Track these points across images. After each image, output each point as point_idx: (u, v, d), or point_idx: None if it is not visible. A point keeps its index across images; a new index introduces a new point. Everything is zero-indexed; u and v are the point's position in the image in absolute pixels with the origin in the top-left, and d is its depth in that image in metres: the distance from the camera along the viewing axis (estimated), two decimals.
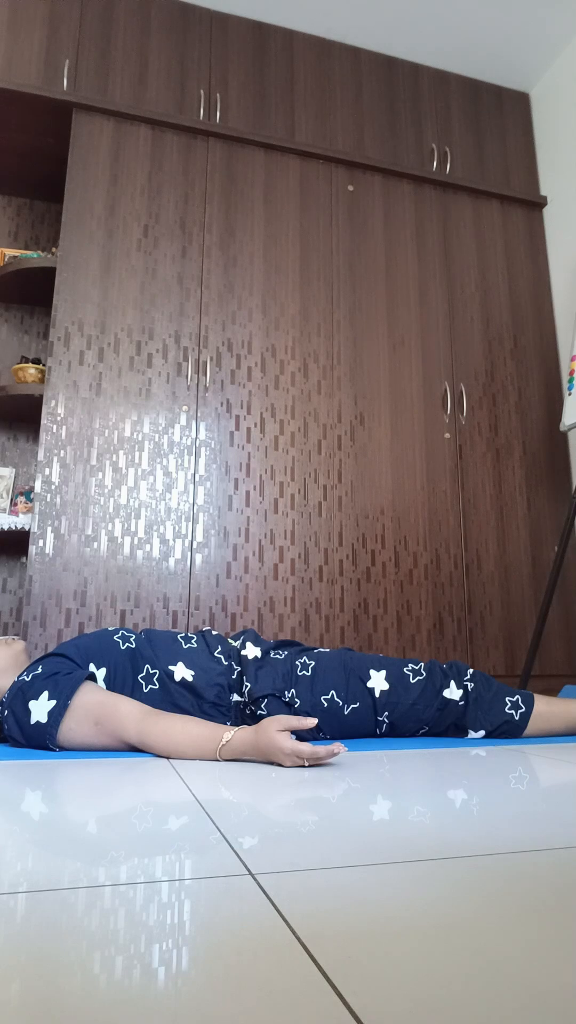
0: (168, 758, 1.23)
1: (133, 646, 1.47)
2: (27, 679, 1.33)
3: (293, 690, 1.44)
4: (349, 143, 2.87)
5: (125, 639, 1.48)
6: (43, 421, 2.25)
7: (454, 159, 3.01)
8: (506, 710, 1.49)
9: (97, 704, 1.28)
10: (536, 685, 2.53)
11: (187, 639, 1.52)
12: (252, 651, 1.51)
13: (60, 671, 1.33)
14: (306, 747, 1.13)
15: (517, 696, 1.51)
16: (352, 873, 0.61)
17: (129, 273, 2.46)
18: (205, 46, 2.79)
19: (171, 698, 1.41)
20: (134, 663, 1.45)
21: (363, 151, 2.88)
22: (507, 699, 1.50)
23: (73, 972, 0.43)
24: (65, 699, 1.27)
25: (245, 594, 2.31)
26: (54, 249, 2.87)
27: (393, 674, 1.48)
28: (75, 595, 2.16)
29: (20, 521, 2.37)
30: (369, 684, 1.46)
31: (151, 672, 1.44)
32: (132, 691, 1.42)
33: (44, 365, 2.56)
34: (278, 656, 1.51)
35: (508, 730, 1.48)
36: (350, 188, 2.81)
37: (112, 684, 1.42)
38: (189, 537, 2.31)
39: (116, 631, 1.50)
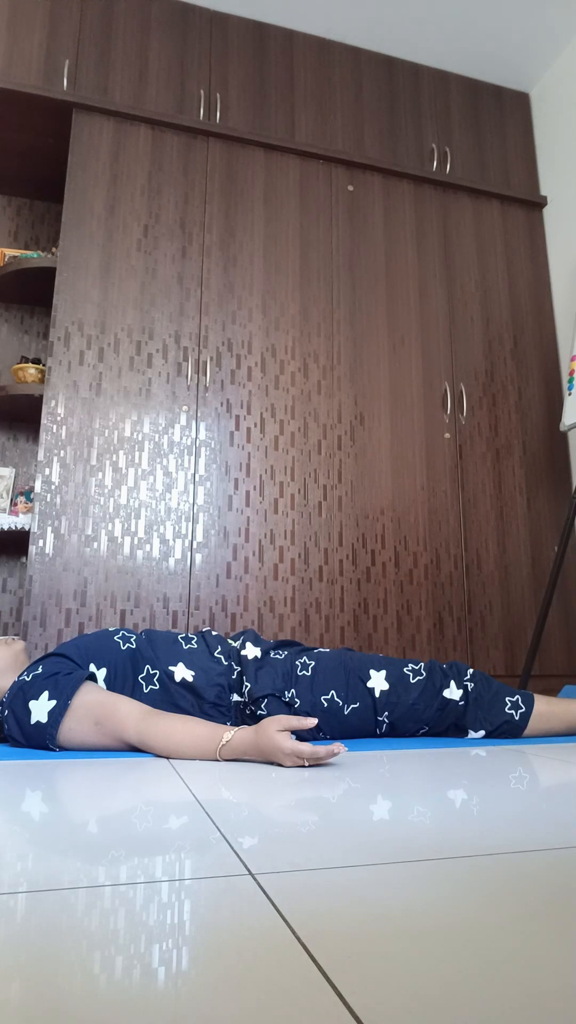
0: (168, 758, 1.23)
1: (133, 646, 1.47)
2: (27, 679, 1.33)
3: (293, 690, 1.44)
4: (349, 143, 2.87)
5: (125, 639, 1.48)
6: (43, 421, 2.25)
7: (454, 159, 3.01)
8: (506, 710, 1.49)
9: (97, 704, 1.28)
10: (536, 685, 2.53)
11: (187, 639, 1.52)
12: (252, 651, 1.51)
13: (60, 671, 1.33)
14: (306, 747, 1.13)
15: (517, 696, 1.51)
16: (352, 873, 0.61)
17: (129, 273, 2.46)
18: (205, 46, 2.79)
19: (171, 698, 1.41)
20: (134, 663, 1.45)
21: (363, 151, 2.88)
22: (507, 699, 1.50)
23: (73, 972, 0.43)
24: (65, 699, 1.27)
25: (245, 594, 2.31)
26: (54, 249, 2.87)
27: (393, 674, 1.48)
28: (75, 595, 2.16)
29: (20, 521, 2.37)
30: (369, 684, 1.46)
31: (151, 672, 1.44)
32: (132, 691, 1.42)
33: (44, 365, 2.56)
34: (278, 656, 1.51)
35: (508, 730, 1.48)
36: (350, 188, 2.81)
37: (112, 684, 1.42)
38: (189, 537, 2.31)
39: (116, 631, 1.50)
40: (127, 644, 1.47)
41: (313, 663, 1.49)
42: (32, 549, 2.15)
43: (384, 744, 1.41)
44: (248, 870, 0.62)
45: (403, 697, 1.46)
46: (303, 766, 1.15)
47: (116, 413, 2.33)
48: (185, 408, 2.41)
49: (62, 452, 2.25)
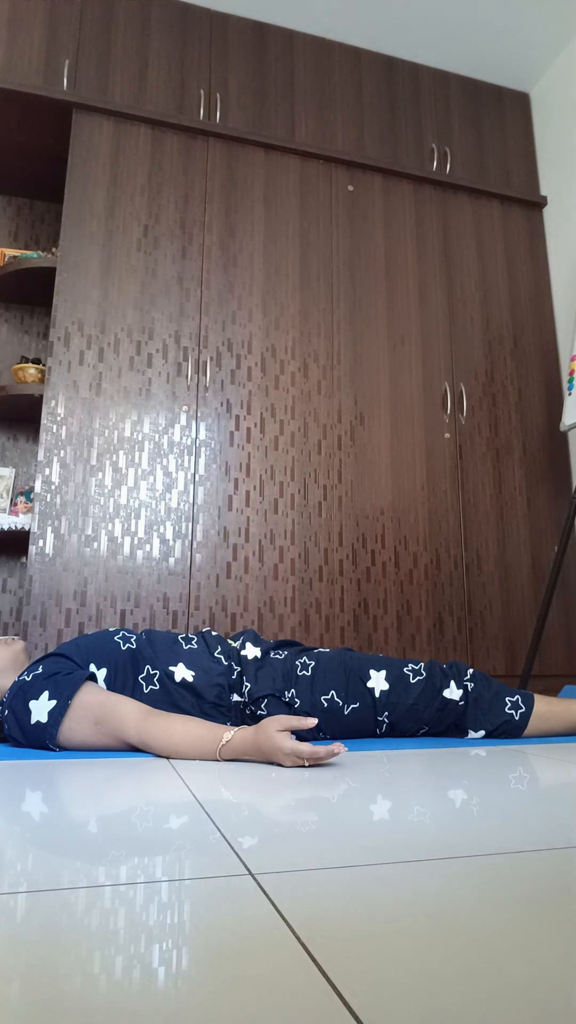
0: (168, 758, 1.23)
1: (134, 646, 1.47)
2: (27, 679, 1.33)
3: (293, 690, 1.44)
4: (349, 143, 2.87)
5: (126, 639, 1.48)
6: (43, 421, 2.25)
7: (454, 159, 3.01)
8: (506, 710, 1.49)
9: (97, 704, 1.28)
10: (536, 685, 2.53)
11: (187, 640, 1.52)
12: (252, 651, 1.51)
13: (60, 671, 1.33)
14: (306, 747, 1.13)
15: (517, 696, 1.51)
16: (352, 873, 0.61)
17: (129, 273, 2.46)
18: (205, 46, 2.79)
19: (171, 698, 1.42)
20: (135, 663, 1.45)
21: (363, 151, 2.88)
22: (507, 699, 1.50)
23: (73, 972, 0.43)
24: (65, 699, 1.27)
25: (245, 594, 2.31)
26: (54, 249, 2.87)
27: (393, 674, 1.48)
28: (75, 595, 2.16)
29: (20, 521, 2.37)
30: (369, 684, 1.46)
31: (151, 673, 1.44)
32: (132, 691, 1.42)
33: (44, 365, 2.56)
34: (278, 656, 1.51)
35: (508, 730, 1.48)
36: (350, 188, 2.81)
37: (112, 684, 1.42)
38: (189, 537, 2.31)
39: (117, 631, 1.50)
40: (127, 644, 1.47)
41: (313, 663, 1.49)
42: (32, 549, 2.15)
43: (384, 744, 1.41)
44: (248, 870, 0.62)
45: (403, 697, 1.46)
46: (303, 766, 1.15)
47: (116, 413, 2.33)
48: (185, 408, 2.41)
49: (62, 452, 2.25)
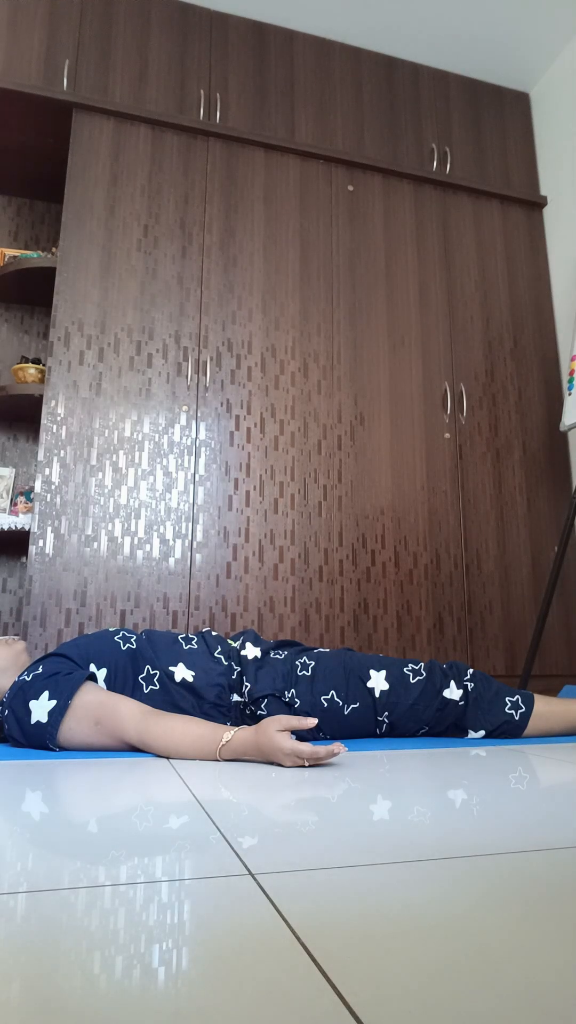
0: (168, 758, 1.23)
1: (134, 647, 1.47)
2: (27, 679, 1.33)
3: (293, 690, 1.44)
4: (349, 143, 2.87)
5: (126, 639, 1.48)
6: (43, 421, 2.25)
7: (454, 159, 3.01)
8: (506, 710, 1.49)
9: (97, 704, 1.28)
10: (536, 685, 2.53)
11: (187, 640, 1.52)
12: (252, 651, 1.51)
13: (60, 671, 1.33)
14: (306, 747, 1.13)
15: (517, 696, 1.51)
16: (352, 873, 0.61)
17: (129, 273, 2.46)
18: (205, 46, 2.79)
19: (171, 698, 1.42)
20: (135, 664, 1.45)
21: (363, 151, 2.88)
22: (507, 699, 1.50)
23: (73, 972, 0.43)
24: (65, 699, 1.27)
25: (245, 594, 2.31)
26: (54, 249, 2.87)
27: (393, 674, 1.48)
28: (75, 595, 2.16)
29: (20, 521, 2.37)
30: (369, 684, 1.46)
31: (151, 673, 1.44)
32: (132, 691, 1.42)
33: (44, 365, 2.56)
34: (278, 656, 1.51)
35: (508, 730, 1.48)
36: (350, 188, 2.81)
37: (112, 684, 1.42)
38: (189, 537, 2.31)
39: (117, 632, 1.50)
40: (127, 644, 1.47)
41: (313, 663, 1.49)
42: (32, 549, 2.15)
43: (384, 744, 1.41)
44: (248, 870, 0.62)
45: (403, 697, 1.46)
46: (303, 766, 1.15)
47: (116, 413, 2.33)
48: (185, 408, 2.41)
49: (62, 452, 2.25)
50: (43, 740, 1.27)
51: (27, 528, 2.35)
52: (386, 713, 1.46)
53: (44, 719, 1.26)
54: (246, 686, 1.45)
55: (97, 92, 2.60)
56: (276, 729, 1.15)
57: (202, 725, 1.24)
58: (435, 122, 3.04)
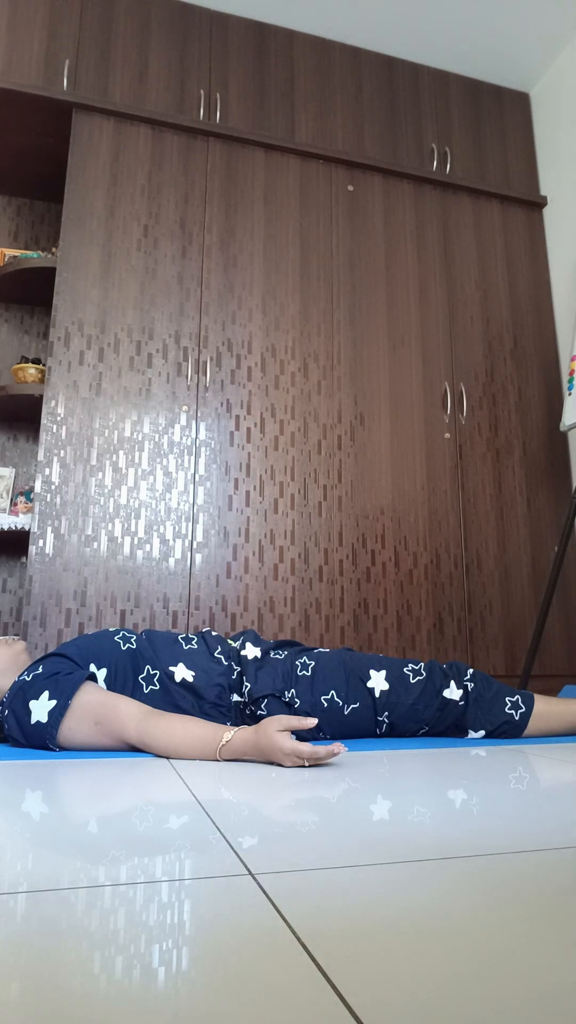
0: (168, 758, 1.23)
1: (134, 647, 1.47)
2: (27, 679, 1.33)
3: (293, 690, 1.44)
4: (349, 143, 2.87)
5: (126, 639, 1.48)
6: (43, 421, 2.25)
7: (454, 159, 3.01)
8: (506, 710, 1.49)
9: (97, 704, 1.28)
10: (536, 685, 2.53)
11: (187, 640, 1.52)
12: (252, 651, 1.51)
13: (60, 671, 1.33)
14: (306, 747, 1.13)
15: (517, 696, 1.51)
16: (352, 873, 0.61)
17: (129, 273, 2.46)
18: (205, 46, 2.79)
19: (171, 699, 1.42)
20: (135, 664, 1.45)
21: (363, 151, 2.88)
22: (507, 699, 1.50)
23: (73, 972, 0.43)
24: (65, 699, 1.27)
25: (245, 594, 2.31)
26: (54, 249, 2.87)
27: (393, 674, 1.48)
28: (75, 595, 2.16)
29: (20, 521, 2.37)
30: (369, 684, 1.46)
31: (151, 673, 1.44)
32: (132, 691, 1.42)
33: (44, 365, 2.56)
34: (278, 656, 1.51)
35: (508, 730, 1.48)
36: (350, 188, 2.81)
37: (112, 684, 1.42)
38: (189, 537, 2.31)
39: (117, 632, 1.50)
40: (127, 644, 1.47)
41: (313, 663, 1.49)
42: (32, 549, 2.15)
43: (384, 744, 1.41)
44: (248, 870, 0.62)
45: (403, 697, 1.46)
46: (303, 766, 1.15)
47: (116, 413, 2.33)
48: (185, 408, 2.41)
49: (62, 452, 2.25)
50: (43, 740, 1.27)
51: (27, 528, 2.35)
52: (386, 713, 1.46)
53: (44, 719, 1.26)
54: (246, 686, 1.45)
55: (97, 92, 2.60)
56: (276, 729, 1.15)
57: (202, 725, 1.24)
58: (435, 122, 3.04)
